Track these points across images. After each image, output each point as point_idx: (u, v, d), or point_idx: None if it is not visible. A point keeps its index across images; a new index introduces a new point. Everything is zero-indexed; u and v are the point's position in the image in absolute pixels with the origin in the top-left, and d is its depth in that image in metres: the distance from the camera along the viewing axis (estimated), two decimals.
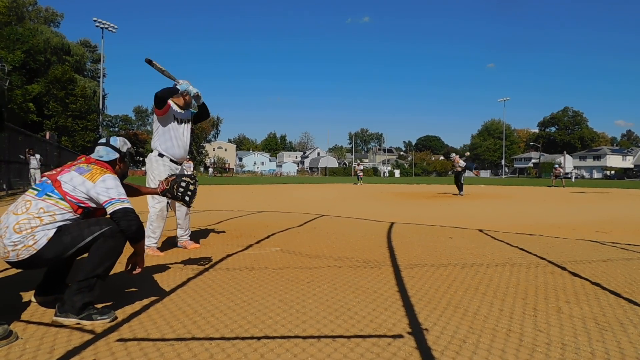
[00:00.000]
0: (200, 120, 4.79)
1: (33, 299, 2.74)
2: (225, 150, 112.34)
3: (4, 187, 14.78)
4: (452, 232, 6.04)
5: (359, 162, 51.37)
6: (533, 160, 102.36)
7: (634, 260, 4.16)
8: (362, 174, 33.75)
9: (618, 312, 2.58)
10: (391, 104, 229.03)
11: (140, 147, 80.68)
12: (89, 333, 2.21)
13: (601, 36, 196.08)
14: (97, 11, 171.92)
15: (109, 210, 2.48)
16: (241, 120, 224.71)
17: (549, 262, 4.01)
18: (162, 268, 3.70)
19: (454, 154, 16.81)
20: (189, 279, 3.32)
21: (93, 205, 2.54)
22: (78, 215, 2.50)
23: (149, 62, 4.10)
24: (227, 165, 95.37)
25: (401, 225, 6.76)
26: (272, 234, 5.62)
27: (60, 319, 2.33)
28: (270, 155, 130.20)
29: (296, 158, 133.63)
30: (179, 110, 4.44)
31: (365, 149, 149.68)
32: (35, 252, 2.30)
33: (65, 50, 54.35)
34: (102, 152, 2.80)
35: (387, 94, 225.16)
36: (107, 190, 2.51)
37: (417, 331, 2.25)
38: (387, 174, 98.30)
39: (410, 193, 18.08)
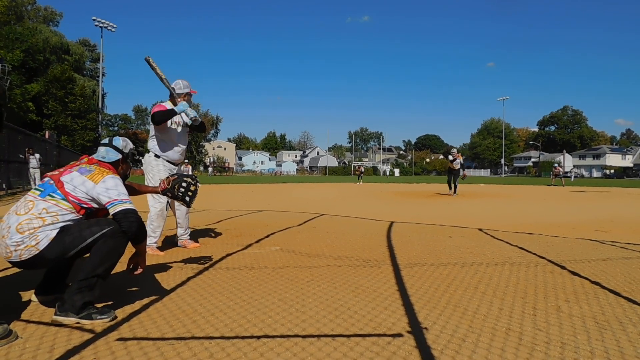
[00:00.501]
0: (197, 131, 4.75)
1: (33, 298, 2.74)
2: (225, 149, 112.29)
3: (4, 186, 14.78)
4: (452, 231, 6.04)
5: (359, 164, 51.48)
6: (533, 160, 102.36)
7: (634, 259, 4.17)
8: (362, 173, 33.95)
9: (617, 311, 2.58)
10: (391, 103, 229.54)
11: (140, 147, 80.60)
12: (89, 332, 2.21)
13: (601, 35, 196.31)
14: (96, 10, 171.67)
15: (112, 211, 2.49)
16: (241, 119, 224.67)
17: (549, 261, 4.01)
18: (162, 267, 3.70)
19: (455, 149, 16.09)
20: (188, 278, 3.32)
21: (95, 205, 2.55)
22: (80, 216, 2.50)
23: (148, 61, 4.09)
24: (226, 165, 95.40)
25: (401, 224, 6.77)
26: (272, 233, 5.62)
27: (60, 318, 2.33)
28: (270, 155, 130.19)
29: (296, 157, 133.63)
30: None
31: (365, 148, 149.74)
32: (37, 252, 2.31)
33: (65, 49, 54.32)
34: (105, 153, 2.81)
35: (387, 93, 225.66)
36: (108, 191, 2.51)
37: (416, 330, 2.25)
38: (388, 173, 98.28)
39: (410, 192, 18.08)
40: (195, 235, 5.30)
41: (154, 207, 4.37)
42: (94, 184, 2.51)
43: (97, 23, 49.17)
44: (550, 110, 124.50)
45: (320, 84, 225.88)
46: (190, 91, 4.45)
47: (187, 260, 3.97)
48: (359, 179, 33.37)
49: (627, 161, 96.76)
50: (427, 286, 3.12)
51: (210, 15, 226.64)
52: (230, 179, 44.94)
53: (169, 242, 4.85)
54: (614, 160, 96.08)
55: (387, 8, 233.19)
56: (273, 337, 2.16)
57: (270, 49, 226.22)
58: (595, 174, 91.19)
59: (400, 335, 2.19)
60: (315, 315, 2.50)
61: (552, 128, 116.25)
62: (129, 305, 2.65)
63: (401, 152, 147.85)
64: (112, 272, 3.19)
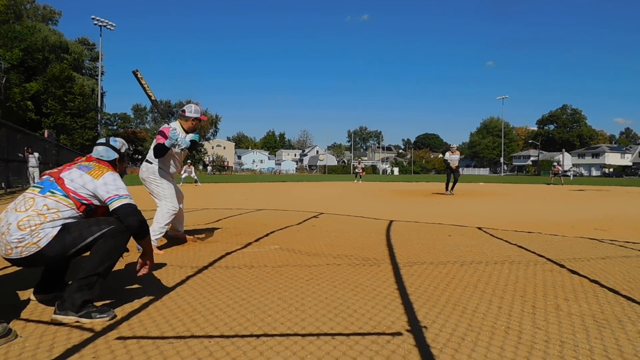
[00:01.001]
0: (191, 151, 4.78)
1: (32, 297, 2.74)
2: (224, 148, 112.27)
3: (3, 185, 14.76)
4: (451, 229, 6.05)
5: (359, 160, 51.06)
6: (532, 158, 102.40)
7: (633, 258, 4.17)
8: (362, 172, 33.48)
9: (616, 310, 2.59)
10: (390, 102, 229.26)
11: (140, 146, 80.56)
12: (88, 331, 2.21)
13: (600, 34, 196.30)
14: (96, 9, 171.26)
15: (112, 206, 2.50)
16: (240, 118, 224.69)
17: (548, 259, 4.02)
18: (162, 266, 3.70)
19: (454, 145, 15.22)
20: (188, 277, 3.32)
21: (96, 202, 2.56)
22: (80, 213, 2.52)
23: (135, 74, 4.22)
24: (226, 164, 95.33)
25: (400, 223, 6.77)
26: (271, 232, 5.62)
27: (60, 317, 2.33)
28: (269, 154, 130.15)
29: (295, 156, 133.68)
30: (182, 135, 4.45)
31: (364, 147, 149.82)
32: (38, 249, 2.31)
33: (64, 48, 54.24)
34: (103, 152, 2.85)
35: (386, 91, 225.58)
36: (108, 186, 2.54)
37: (416, 329, 2.26)
38: (389, 172, 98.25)
39: (409, 191, 18.09)
40: (195, 234, 5.30)
41: (175, 208, 4.50)
42: (94, 179, 2.54)
43: (96, 22, 49.15)
44: (550, 109, 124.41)
45: (320, 82, 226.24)
46: (200, 117, 4.58)
47: (186, 259, 3.98)
48: (356, 177, 32.90)
49: (626, 160, 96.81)
50: (426, 285, 3.13)
51: (209, 14, 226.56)
52: (230, 177, 44.90)
53: (169, 241, 4.84)
54: (613, 159, 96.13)
55: (386, 7, 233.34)
56: (272, 335, 2.16)
57: (270, 48, 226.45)
58: (595, 172, 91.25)
59: (399, 333, 2.19)
60: (315, 313, 2.50)
61: (552, 127, 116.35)
62: (129, 304, 2.66)
63: (400, 150, 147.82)
64: (112, 271, 3.19)
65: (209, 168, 72.31)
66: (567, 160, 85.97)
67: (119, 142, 2.97)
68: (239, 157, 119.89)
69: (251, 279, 3.29)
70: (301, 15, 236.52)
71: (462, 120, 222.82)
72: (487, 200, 13.17)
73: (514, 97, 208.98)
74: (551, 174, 29.65)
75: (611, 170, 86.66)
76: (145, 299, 2.76)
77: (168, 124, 4.42)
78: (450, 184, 15.19)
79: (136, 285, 3.09)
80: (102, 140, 2.95)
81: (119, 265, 3.70)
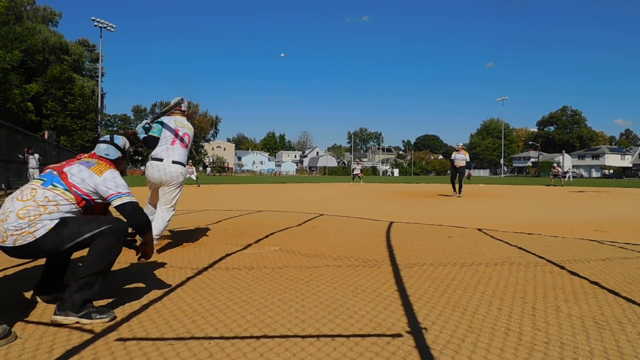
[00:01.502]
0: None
1: (32, 298, 2.74)
2: (224, 149, 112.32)
3: (3, 186, 14.77)
4: (451, 231, 6.05)
5: (358, 161, 50.71)
6: (532, 160, 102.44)
7: (633, 259, 4.17)
8: (361, 173, 33.20)
9: (616, 311, 2.59)
10: (390, 103, 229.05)
11: (140, 147, 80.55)
12: (88, 332, 2.21)
13: (600, 35, 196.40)
14: (96, 10, 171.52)
15: (115, 203, 2.54)
16: (240, 119, 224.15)
17: (548, 261, 4.02)
18: (162, 267, 3.70)
19: (460, 144, 14.94)
20: (188, 279, 3.32)
21: (96, 198, 2.59)
22: (80, 208, 2.53)
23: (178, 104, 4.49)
24: (226, 165, 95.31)
25: (400, 224, 6.77)
26: (271, 234, 5.62)
27: (60, 318, 2.33)
28: (269, 155, 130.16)
29: (295, 157, 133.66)
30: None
31: (364, 148, 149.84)
32: (33, 239, 2.31)
33: (64, 49, 54.33)
34: (107, 150, 2.87)
35: (386, 93, 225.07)
36: (110, 183, 2.57)
37: (416, 330, 2.26)
38: (389, 173, 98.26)
39: (409, 192, 18.09)
40: (195, 235, 5.30)
41: (172, 214, 4.54)
42: (96, 176, 2.57)
43: (96, 23, 49.24)
44: (550, 110, 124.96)
45: (320, 84, 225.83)
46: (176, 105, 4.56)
47: (186, 261, 3.97)
48: (354, 179, 32.28)
49: (626, 161, 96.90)
50: (426, 286, 3.13)
51: (209, 15, 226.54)
52: (230, 179, 44.93)
53: (168, 243, 4.84)
54: (613, 160, 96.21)
55: (386, 8, 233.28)
56: (272, 337, 2.16)
57: (271, 49, 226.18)
58: (595, 174, 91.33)
59: (399, 335, 2.19)
60: (315, 315, 2.50)
61: (552, 128, 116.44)
62: (129, 305, 2.66)
63: (400, 152, 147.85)
64: (111, 272, 3.19)
65: (209, 169, 72.30)
66: (567, 161, 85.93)
67: (122, 140, 2.99)
68: (239, 159, 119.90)
69: (251, 280, 3.29)
70: (301, 16, 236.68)
71: (462, 122, 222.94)
72: (487, 201, 13.17)
73: (514, 98, 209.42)
74: (551, 175, 29.63)
75: (611, 171, 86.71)
76: (145, 300, 2.76)
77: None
78: (457, 185, 14.69)
79: (136, 287, 3.10)
80: (106, 137, 2.97)
81: (119, 266, 3.71)
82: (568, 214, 9.36)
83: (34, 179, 2.62)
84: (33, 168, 16.91)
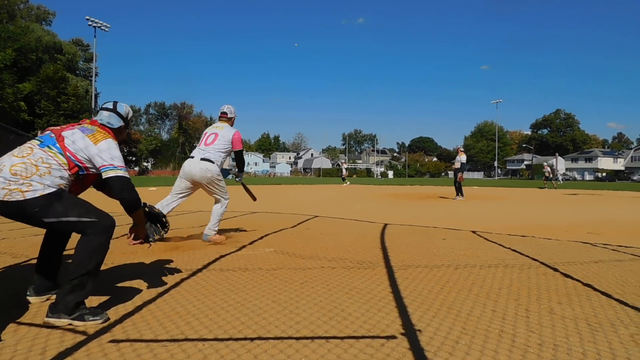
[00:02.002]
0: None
1: (25, 300, 2.72)
2: None
3: None
4: (446, 233, 6.06)
5: (344, 160, 49.90)
6: (526, 162, 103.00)
7: (625, 262, 4.20)
8: (346, 172, 32.13)
9: (609, 313, 2.60)
10: (385, 105, 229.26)
11: (134, 147, 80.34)
12: (82, 334, 2.19)
13: (594, 38, 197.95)
14: (90, 10, 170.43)
15: (106, 175, 2.50)
16: (235, 120, 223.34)
17: (542, 263, 4.04)
18: (155, 269, 3.68)
19: (460, 146, 14.91)
20: (182, 280, 3.30)
21: (90, 167, 2.56)
22: (71, 175, 2.50)
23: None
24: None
25: (395, 226, 6.78)
26: (266, 235, 5.62)
27: (53, 320, 2.31)
28: (264, 156, 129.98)
29: (290, 159, 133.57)
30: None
31: (359, 150, 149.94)
32: (22, 199, 2.27)
33: (57, 48, 54.05)
34: (109, 118, 2.81)
35: (381, 95, 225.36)
36: (105, 154, 2.53)
37: (410, 332, 2.26)
38: (377, 175, 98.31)
39: (404, 194, 18.13)
40: (189, 236, 5.29)
41: (227, 203, 5.24)
42: (92, 144, 2.53)
43: (90, 22, 49.02)
44: (543, 113, 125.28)
45: (315, 85, 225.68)
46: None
47: (180, 262, 3.96)
48: (344, 180, 31.90)
49: (619, 164, 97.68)
50: (420, 288, 3.13)
51: (204, 16, 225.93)
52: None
53: (162, 245, 4.82)
54: (606, 163, 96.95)
55: (382, 10, 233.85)
56: (267, 339, 2.16)
57: (266, 50, 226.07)
58: (588, 177, 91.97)
59: (394, 337, 2.19)
60: (309, 317, 2.50)
61: (545, 131, 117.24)
62: (122, 307, 2.64)
63: (395, 154, 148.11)
64: (104, 274, 3.18)
65: None
66: (560, 164, 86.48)
67: (125, 109, 2.91)
68: (234, 160, 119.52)
69: (245, 281, 3.28)
70: (297, 18, 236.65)
71: (457, 124, 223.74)
72: (481, 204, 13.22)
73: (508, 101, 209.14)
74: (543, 178, 29.58)
75: (604, 174, 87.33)
76: (138, 302, 2.75)
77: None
78: (454, 188, 14.70)
79: (129, 288, 3.08)
80: (109, 104, 2.88)
81: (112, 267, 3.69)
82: (561, 216, 9.41)
83: (34, 138, 2.58)
84: None
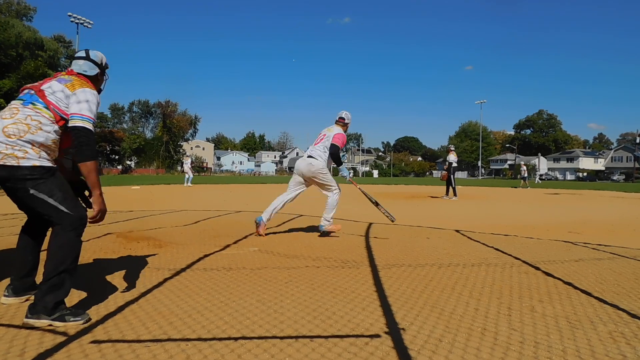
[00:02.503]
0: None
1: (2, 301, 2.67)
2: (203, 149, 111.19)
3: None
4: (430, 232, 6.11)
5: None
6: (509, 162, 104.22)
7: (604, 260, 4.28)
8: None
9: (589, 311, 2.65)
10: (370, 105, 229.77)
11: (117, 145, 79.29)
12: (62, 335, 2.16)
13: (576, 39, 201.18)
14: (72, 6, 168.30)
15: (71, 123, 2.45)
16: (219, 119, 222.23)
17: (524, 262, 4.09)
18: (138, 268, 3.64)
19: (452, 145, 14.86)
20: (165, 279, 3.27)
21: None
22: (59, 127, 2.46)
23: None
24: (205, 165, 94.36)
25: (379, 225, 6.81)
26: (250, 234, 5.60)
27: (32, 321, 2.27)
28: (249, 155, 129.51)
29: (275, 158, 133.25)
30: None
31: (344, 149, 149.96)
32: (16, 165, 2.26)
33: (39, 45, 52.99)
34: (84, 67, 2.77)
35: (366, 94, 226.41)
36: (79, 103, 2.49)
37: (394, 331, 2.27)
38: (361, 175, 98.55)
39: (389, 193, 18.20)
40: (173, 235, 5.24)
41: (338, 194, 5.78)
42: (70, 91, 2.51)
43: (72, 19, 48.12)
44: (527, 114, 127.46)
45: (301, 84, 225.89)
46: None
47: (163, 261, 3.92)
48: None
49: (600, 164, 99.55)
50: (404, 287, 3.15)
51: (188, 15, 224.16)
52: (209, 179, 44.47)
53: (145, 244, 4.77)
54: (587, 163, 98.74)
55: (368, 10, 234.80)
56: (251, 338, 2.15)
57: (250, 49, 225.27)
58: (569, 176, 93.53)
59: (378, 335, 2.20)
60: (294, 316, 2.49)
61: (528, 131, 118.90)
62: (104, 306, 2.61)
63: (380, 153, 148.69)
64: (86, 273, 3.14)
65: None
66: (543, 164, 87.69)
67: (98, 55, 2.86)
68: (218, 159, 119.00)
69: (229, 281, 3.26)
70: (282, 18, 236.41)
71: (441, 124, 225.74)
72: (464, 203, 13.33)
73: (492, 101, 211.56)
74: (519, 177, 29.75)
75: (585, 174, 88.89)
76: (120, 302, 2.71)
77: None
78: (446, 187, 14.79)
79: (111, 288, 3.04)
80: (82, 53, 2.82)
81: (94, 267, 3.64)
82: (543, 215, 9.55)
83: (16, 99, 2.52)
84: None
